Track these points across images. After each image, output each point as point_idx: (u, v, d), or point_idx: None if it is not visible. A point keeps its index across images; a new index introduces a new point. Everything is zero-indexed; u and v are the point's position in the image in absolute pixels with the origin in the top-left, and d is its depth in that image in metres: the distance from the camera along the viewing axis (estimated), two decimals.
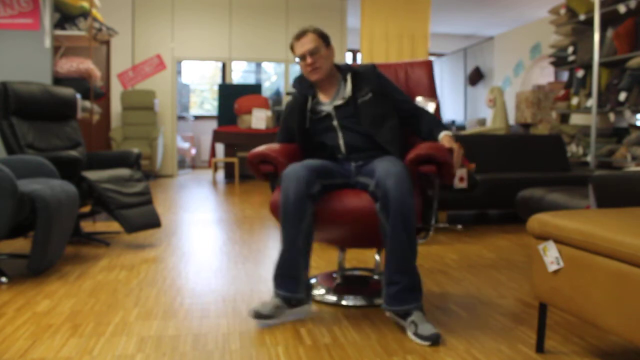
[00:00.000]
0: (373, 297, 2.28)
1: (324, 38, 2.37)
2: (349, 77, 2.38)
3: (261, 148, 2.37)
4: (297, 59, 2.36)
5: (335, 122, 2.35)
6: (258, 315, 2.03)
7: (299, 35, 2.35)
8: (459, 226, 2.04)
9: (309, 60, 2.31)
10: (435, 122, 2.34)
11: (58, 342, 1.85)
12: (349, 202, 2.12)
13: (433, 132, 2.30)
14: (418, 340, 1.86)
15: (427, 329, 1.88)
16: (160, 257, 3.10)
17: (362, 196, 2.12)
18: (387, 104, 2.34)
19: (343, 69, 2.43)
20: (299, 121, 2.41)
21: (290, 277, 2.09)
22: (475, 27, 10.39)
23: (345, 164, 2.34)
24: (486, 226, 4.17)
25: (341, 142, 2.35)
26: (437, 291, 2.48)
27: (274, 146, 2.39)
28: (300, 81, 2.45)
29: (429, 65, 2.78)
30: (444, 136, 2.27)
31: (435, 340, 1.85)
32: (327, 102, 2.39)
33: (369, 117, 2.31)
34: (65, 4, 4.88)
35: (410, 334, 1.91)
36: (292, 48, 2.39)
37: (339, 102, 2.36)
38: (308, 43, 2.32)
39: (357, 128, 2.33)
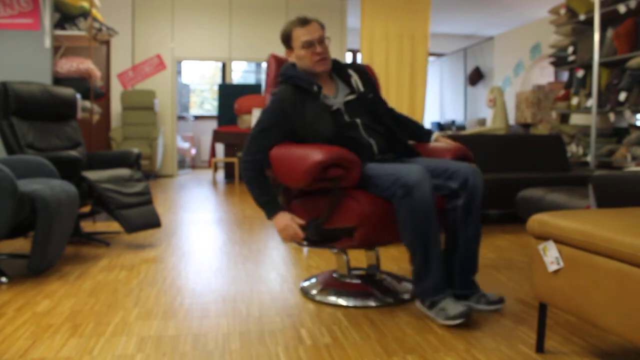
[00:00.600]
0: (375, 297, 2.28)
1: (324, 29, 2.27)
2: (352, 72, 2.29)
3: (327, 150, 2.03)
4: (298, 47, 2.19)
5: (348, 119, 2.21)
6: (466, 315, 1.97)
7: (305, 22, 2.20)
8: None
9: (319, 48, 2.18)
10: (417, 123, 2.50)
11: (58, 342, 1.85)
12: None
13: (421, 134, 2.45)
14: (492, 307, 2.13)
15: (495, 296, 2.15)
16: (160, 257, 3.10)
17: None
18: (385, 105, 2.38)
19: (340, 64, 2.34)
20: (315, 115, 2.17)
21: (445, 279, 2.07)
22: (475, 27, 10.39)
23: None
24: (486, 226, 4.17)
25: (372, 140, 2.23)
26: None
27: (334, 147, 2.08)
28: (297, 72, 2.23)
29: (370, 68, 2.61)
30: (437, 136, 2.41)
31: (502, 299, 2.15)
32: (332, 97, 2.25)
33: (385, 115, 2.32)
34: (65, 4, 4.88)
35: (482, 306, 2.13)
36: (289, 35, 2.21)
37: (350, 97, 2.25)
38: (317, 30, 2.20)
39: (373, 125, 2.24)
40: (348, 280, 2.42)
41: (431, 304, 2.03)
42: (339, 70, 2.34)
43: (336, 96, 2.27)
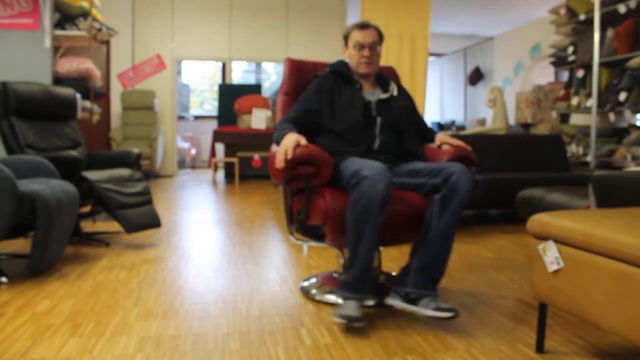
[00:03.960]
0: (372, 297, 2.28)
1: (381, 38, 2.46)
2: (392, 82, 2.52)
3: (295, 147, 2.08)
4: (351, 47, 2.41)
5: (375, 114, 2.38)
6: (353, 319, 1.94)
7: (364, 26, 2.42)
8: None
9: (367, 52, 2.39)
10: (432, 131, 2.58)
11: (58, 342, 1.85)
12: (412, 203, 2.17)
13: (429, 137, 2.53)
14: (440, 314, 1.96)
15: (447, 305, 1.99)
16: (160, 257, 3.10)
17: (417, 196, 2.19)
18: (414, 117, 2.50)
19: (383, 75, 2.55)
20: (340, 105, 2.34)
21: (367, 281, 2.05)
22: (475, 27, 10.39)
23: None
24: (486, 226, 4.17)
25: (377, 138, 2.36)
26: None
27: (310, 145, 2.14)
28: (343, 66, 2.48)
29: (393, 70, 2.84)
30: (440, 137, 2.45)
31: (456, 313, 1.94)
32: (368, 93, 2.45)
33: (406, 123, 2.42)
34: (65, 4, 4.88)
35: (429, 311, 1.98)
36: (348, 34, 2.43)
37: (384, 95, 2.44)
38: (372, 36, 2.41)
39: (391, 127, 2.39)
40: None
41: (343, 298, 2.04)
42: (382, 79, 2.53)
43: (373, 94, 2.46)
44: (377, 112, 2.39)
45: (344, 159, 2.20)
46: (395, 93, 2.47)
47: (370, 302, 2.22)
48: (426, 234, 2.10)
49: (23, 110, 3.40)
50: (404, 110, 2.45)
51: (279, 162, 2.08)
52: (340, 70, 2.45)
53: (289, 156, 2.06)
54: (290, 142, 2.08)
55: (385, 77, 2.54)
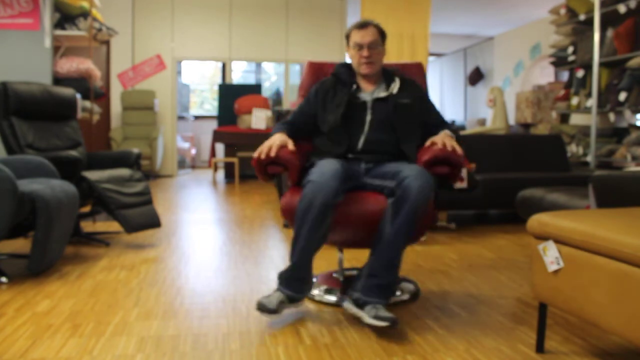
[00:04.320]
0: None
1: (382, 35, 2.41)
2: (397, 79, 2.43)
3: (270, 149, 2.25)
4: (351, 47, 2.38)
5: (367, 114, 2.34)
6: (263, 309, 2.01)
7: (362, 25, 2.38)
8: (452, 224, 2.02)
9: (366, 52, 2.35)
10: (445, 126, 2.41)
11: (58, 342, 1.85)
12: (368, 206, 2.13)
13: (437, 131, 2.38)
14: (376, 322, 1.90)
15: (387, 314, 1.92)
16: (160, 257, 3.10)
17: (379, 198, 2.14)
18: (420, 115, 2.40)
19: (389, 71, 2.47)
20: (331, 107, 2.37)
21: (299, 279, 2.10)
22: (475, 27, 10.38)
23: (355, 164, 2.29)
24: (486, 226, 4.17)
25: (362, 137, 2.32)
26: (437, 291, 2.48)
27: (285, 147, 2.28)
28: (343, 68, 2.47)
29: (420, 67, 2.76)
30: (443, 133, 2.33)
31: (394, 322, 1.88)
32: (366, 93, 2.40)
33: (403, 122, 2.34)
34: (65, 4, 4.88)
35: (368, 318, 1.93)
36: (348, 34, 2.41)
37: (381, 94, 2.38)
38: (370, 35, 2.36)
39: (386, 128, 2.33)
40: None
41: (277, 288, 2.11)
42: (387, 75, 2.46)
43: (372, 93, 2.41)
44: (372, 112, 2.35)
45: (320, 159, 2.22)
46: (395, 91, 2.39)
47: (299, 305, 2.16)
48: (379, 239, 2.05)
49: (23, 110, 3.40)
50: (404, 108, 2.36)
51: (253, 160, 2.29)
52: (337, 73, 2.46)
53: (262, 156, 2.24)
54: (267, 143, 2.26)
55: (390, 73, 2.46)
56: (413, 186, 1.99)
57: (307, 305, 2.28)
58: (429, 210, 2.11)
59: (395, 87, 2.41)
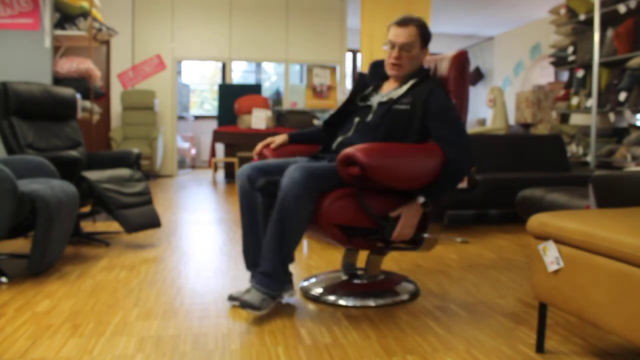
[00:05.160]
0: (372, 297, 2.28)
1: (424, 37, 2.27)
2: (410, 82, 2.27)
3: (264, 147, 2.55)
4: (384, 46, 2.29)
5: (370, 117, 2.28)
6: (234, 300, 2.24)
7: (402, 23, 2.26)
8: (458, 239, 1.92)
9: (396, 53, 2.24)
10: (437, 183, 2.13)
11: (58, 342, 1.85)
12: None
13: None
14: (234, 303, 2.20)
15: (250, 298, 2.06)
16: (160, 257, 3.10)
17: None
18: (418, 123, 2.17)
19: (419, 73, 2.30)
20: (345, 103, 2.45)
21: (252, 265, 2.31)
22: (475, 27, 10.39)
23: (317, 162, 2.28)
24: (486, 226, 4.17)
25: (340, 139, 2.33)
26: (437, 291, 2.48)
27: (268, 146, 2.55)
28: (375, 67, 2.44)
29: (455, 59, 2.37)
30: (415, 204, 2.11)
31: (243, 305, 2.05)
32: (379, 95, 2.34)
33: (390, 127, 2.21)
34: (65, 4, 4.88)
35: (234, 301, 2.20)
36: (388, 29, 2.30)
37: (384, 98, 2.29)
38: (406, 36, 2.24)
39: (370, 132, 2.25)
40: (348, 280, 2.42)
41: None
42: (417, 76, 2.31)
43: (385, 95, 2.33)
44: (374, 115, 2.27)
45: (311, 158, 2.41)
46: (395, 96, 2.26)
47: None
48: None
49: (23, 110, 3.40)
50: (397, 113, 2.23)
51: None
52: (365, 73, 2.50)
53: (253, 155, 2.55)
54: (264, 141, 2.53)
55: (423, 75, 2.30)
56: (282, 182, 2.06)
57: (307, 305, 2.28)
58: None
59: (400, 91, 2.28)
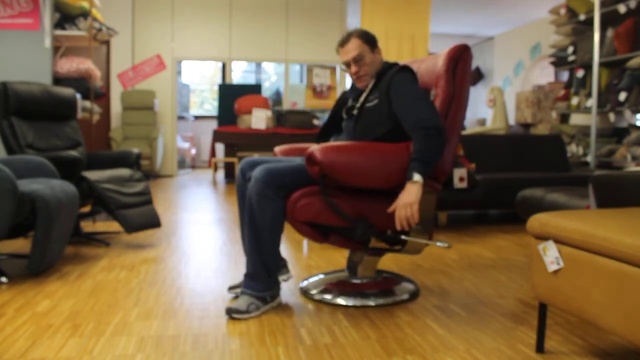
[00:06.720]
0: (372, 297, 2.28)
1: (369, 42, 2.29)
2: (373, 81, 2.30)
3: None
4: (342, 67, 2.37)
5: (352, 123, 2.34)
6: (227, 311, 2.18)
7: (343, 42, 2.32)
8: (439, 243, 1.88)
9: (353, 69, 2.29)
10: (417, 154, 2.04)
11: (58, 342, 1.85)
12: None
13: (409, 168, 2.05)
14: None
15: (239, 303, 2.11)
16: (160, 257, 3.10)
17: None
18: (386, 111, 2.20)
19: (381, 70, 2.32)
20: (331, 115, 2.56)
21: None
22: (475, 27, 10.38)
23: None
24: (486, 226, 4.17)
25: (321, 139, 2.50)
26: (437, 291, 2.48)
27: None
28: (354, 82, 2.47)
29: (446, 55, 2.29)
30: (409, 183, 2.03)
31: (228, 312, 2.09)
32: (357, 103, 2.37)
33: (365, 126, 2.25)
34: (65, 4, 4.88)
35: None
36: (338, 53, 2.37)
37: (358, 104, 2.32)
38: (352, 50, 2.28)
39: (351, 131, 2.33)
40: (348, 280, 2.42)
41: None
42: (380, 76, 2.32)
43: (359, 102, 2.36)
44: (352, 120, 2.32)
45: None
46: (363, 97, 2.29)
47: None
48: None
49: (23, 110, 3.40)
50: (370, 111, 2.25)
51: None
52: (349, 92, 2.55)
53: None
54: None
55: (382, 74, 2.31)
56: (249, 183, 2.15)
57: (307, 305, 2.28)
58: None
59: (367, 91, 2.31)
